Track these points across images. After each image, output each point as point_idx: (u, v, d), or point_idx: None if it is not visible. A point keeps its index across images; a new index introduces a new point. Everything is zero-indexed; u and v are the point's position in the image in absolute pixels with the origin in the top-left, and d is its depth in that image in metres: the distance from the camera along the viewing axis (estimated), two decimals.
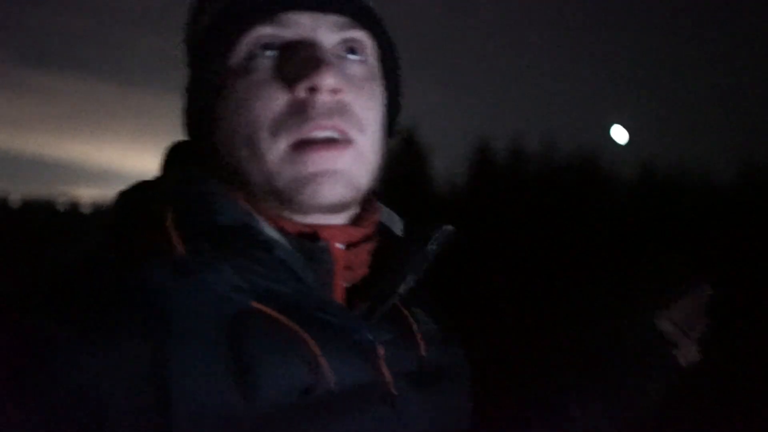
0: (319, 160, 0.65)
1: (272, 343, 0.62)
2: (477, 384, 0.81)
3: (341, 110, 0.67)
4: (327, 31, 0.68)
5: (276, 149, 0.66)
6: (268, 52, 0.67)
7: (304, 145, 0.65)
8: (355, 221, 0.73)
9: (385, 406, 0.67)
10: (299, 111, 0.65)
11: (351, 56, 0.69)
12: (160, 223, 0.65)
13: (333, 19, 0.68)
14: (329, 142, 0.66)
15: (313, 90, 0.65)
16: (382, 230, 0.76)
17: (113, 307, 0.60)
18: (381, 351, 0.68)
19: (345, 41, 0.69)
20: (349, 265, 0.71)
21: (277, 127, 0.65)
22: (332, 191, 0.66)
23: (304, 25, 0.67)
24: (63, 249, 0.67)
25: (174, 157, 0.74)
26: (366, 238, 0.73)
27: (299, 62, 0.65)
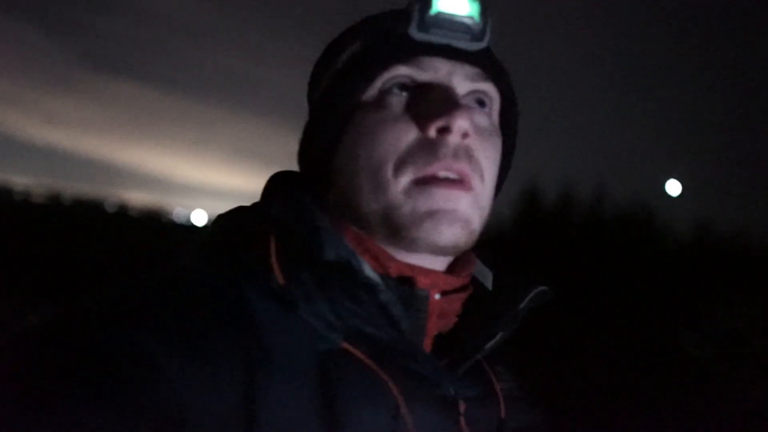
0: (441, 198, 0.66)
1: (359, 387, 0.62)
2: None
3: (468, 155, 0.68)
4: (461, 80, 0.70)
5: (400, 182, 0.67)
6: (403, 92, 0.69)
7: (428, 181, 0.66)
8: (451, 270, 0.73)
9: None
10: (428, 149, 0.67)
11: (479, 107, 0.71)
12: (263, 250, 0.66)
13: (467, 68, 0.70)
14: (452, 182, 0.67)
15: (444, 131, 0.67)
16: (474, 282, 0.76)
17: (212, 327, 0.60)
18: (462, 407, 0.68)
19: (475, 91, 0.71)
20: (441, 315, 0.71)
21: (404, 161, 0.67)
22: (450, 230, 0.67)
23: (440, 69, 0.69)
24: (162, 265, 0.68)
25: (277, 186, 0.74)
26: (460, 289, 0.73)
27: (434, 103, 0.68)
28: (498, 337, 0.71)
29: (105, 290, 0.63)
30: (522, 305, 0.72)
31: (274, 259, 0.65)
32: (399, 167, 0.67)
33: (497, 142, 0.72)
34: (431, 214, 0.66)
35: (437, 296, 0.70)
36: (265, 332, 0.61)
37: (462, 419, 0.68)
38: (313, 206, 0.69)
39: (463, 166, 0.67)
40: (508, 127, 0.76)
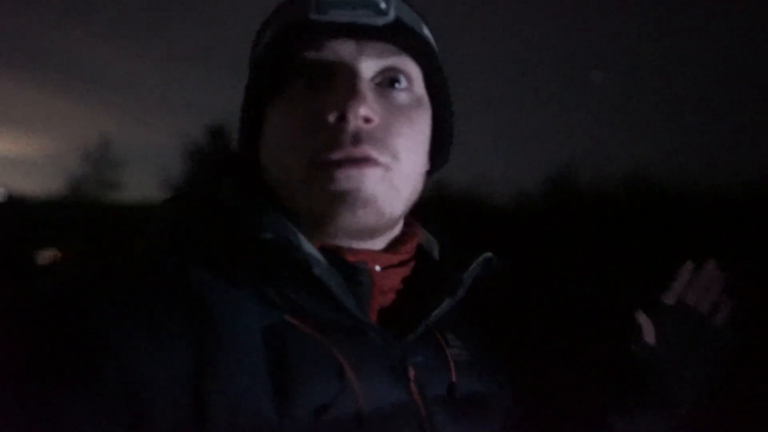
0: (342, 179, 0.66)
1: (306, 357, 0.63)
2: (519, 408, 0.80)
3: (372, 138, 0.67)
4: (368, 58, 0.68)
5: (299, 168, 0.67)
6: (307, 79, 0.69)
7: (329, 165, 0.66)
8: (393, 245, 0.74)
9: (415, 427, 0.67)
10: (329, 137, 0.66)
11: (394, 84, 0.70)
12: (209, 232, 0.68)
13: (376, 45, 0.69)
14: (355, 161, 0.66)
15: (342, 119, 0.66)
16: (421, 254, 0.77)
17: (161, 305, 0.61)
18: (412, 373, 0.69)
19: (387, 69, 0.69)
20: (384, 288, 0.72)
21: (304, 149, 0.67)
22: (353, 214, 0.66)
23: (344, 51, 0.68)
24: (112, 251, 0.72)
25: (227, 169, 0.77)
26: (402, 262, 0.73)
27: (333, 90, 0.67)
28: (444, 304, 0.71)
29: (55, 275, 0.65)
30: (467, 272, 0.72)
31: (219, 240, 0.67)
32: (300, 154, 0.67)
33: (417, 116, 0.71)
34: (333, 199, 0.66)
35: (378, 268, 0.71)
36: (213, 309, 0.62)
37: (412, 384, 0.68)
38: (253, 188, 0.71)
39: (365, 150, 0.66)
40: (437, 96, 0.74)
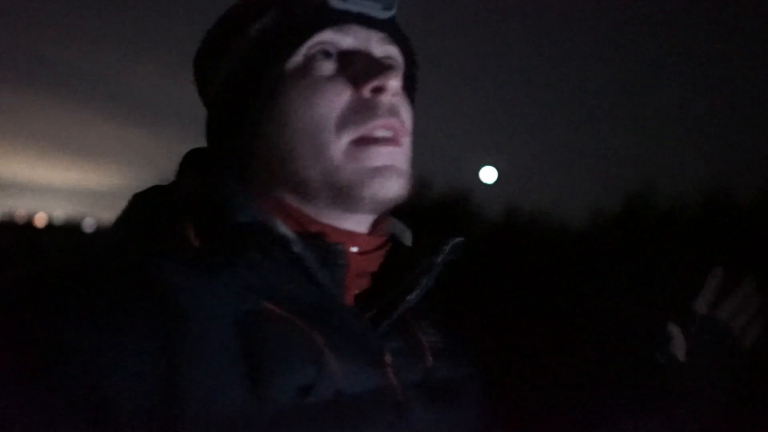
0: (382, 156, 0.70)
1: (283, 344, 0.63)
2: (493, 393, 0.81)
3: (398, 113, 0.72)
4: (376, 44, 0.74)
5: (340, 144, 0.69)
6: (327, 57, 0.72)
7: (366, 141, 0.70)
8: (374, 225, 0.76)
9: (392, 412, 0.67)
10: (365, 108, 0.70)
11: None
12: (178, 222, 0.68)
13: (379, 34, 0.74)
14: (387, 140, 0.71)
15: (377, 91, 0.70)
16: (392, 240, 0.78)
17: (125, 304, 0.60)
18: (389, 359, 0.70)
19: (387, 56, 0.75)
20: (360, 272, 0.73)
21: (342, 123, 0.69)
22: (394, 185, 0.70)
23: (358, 35, 0.73)
24: (78, 249, 0.69)
25: (190, 163, 0.77)
26: (378, 247, 0.75)
27: (364, 65, 0.71)
28: (418, 288, 0.73)
29: (11, 277, 0.62)
30: (440, 258, 0.74)
31: (190, 229, 0.67)
32: (339, 128, 0.69)
33: (408, 101, 0.76)
34: (375, 172, 0.69)
35: (354, 249, 0.73)
36: (184, 301, 0.61)
37: (389, 370, 0.69)
38: (225, 176, 0.71)
39: (395, 123, 0.71)
40: (412, 87, 0.80)
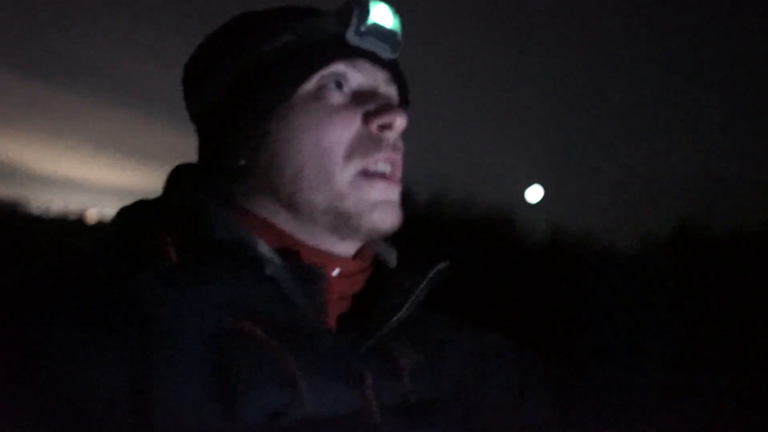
0: (382, 190, 0.73)
1: (254, 365, 0.62)
2: (473, 414, 0.80)
3: (399, 149, 0.76)
4: (383, 83, 0.78)
5: (346, 173, 0.72)
6: (339, 88, 0.74)
7: (370, 175, 0.73)
8: (360, 251, 0.77)
9: None
10: (371, 142, 0.73)
11: None
12: (158, 237, 0.68)
13: (384, 73, 0.78)
14: (387, 176, 0.74)
15: (384, 127, 0.74)
16: (377, 262, 0.79)
17: (99, 313, 0.60)
18: (369, 380, 0.70)
19: (389, 96, 0.78)
20: (342, 295, 0.74)
21: (350, 152, 0.72)
22: (391, 218, 0.73)
23: (369, 72, 0.76)
24: (59, 256, 0.69)
25: (177, 178, 0.77)
26: (361, 270, 0.76)
27: (374, 101, 0.75)
28: (401, 313, 0.74)
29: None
30: (423, 285, 0.75)
31: (168, 243, 0.67)
32: (346, 157, 0.72)
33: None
34: (376, 205, 0.72)
35: (335, 272, 0.73)
36: (159, 316, 0.61)
37: (369, 392, 0.69)
38: (210, 192, 0.72)
39: (396, 158, 0.75)
40: None
